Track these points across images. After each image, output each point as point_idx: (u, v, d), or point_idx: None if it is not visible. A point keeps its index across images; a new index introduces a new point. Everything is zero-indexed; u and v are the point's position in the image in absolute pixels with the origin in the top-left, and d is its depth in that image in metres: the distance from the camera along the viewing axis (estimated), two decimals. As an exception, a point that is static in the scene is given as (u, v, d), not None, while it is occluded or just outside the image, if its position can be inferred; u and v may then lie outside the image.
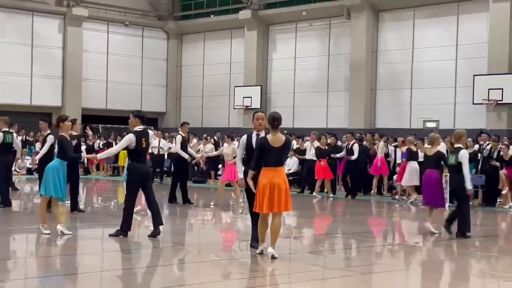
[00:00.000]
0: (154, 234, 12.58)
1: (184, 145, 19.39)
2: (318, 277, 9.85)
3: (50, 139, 15.63)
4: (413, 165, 21.47)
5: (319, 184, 23.35)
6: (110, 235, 12.62)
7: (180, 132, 19.64)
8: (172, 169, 20.29)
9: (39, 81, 36.02)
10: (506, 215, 19.16)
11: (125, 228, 12.62)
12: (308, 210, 19.19)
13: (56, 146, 14.39)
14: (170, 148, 28.31)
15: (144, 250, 12.07)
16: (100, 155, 14.17)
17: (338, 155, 23.45)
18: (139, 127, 12.61)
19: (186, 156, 19.17)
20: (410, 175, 21.41)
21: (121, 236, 12.52)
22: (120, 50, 38.65)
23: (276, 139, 10.64)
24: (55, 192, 12.64)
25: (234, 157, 18.04)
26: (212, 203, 19.34)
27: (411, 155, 21.75)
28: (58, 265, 10.53)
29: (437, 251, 12.99)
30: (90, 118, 34.69)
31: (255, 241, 11.24)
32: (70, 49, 36.46)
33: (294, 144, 25.97)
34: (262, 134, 11.09)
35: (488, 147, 21.06)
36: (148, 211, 16.67)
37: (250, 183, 10.76)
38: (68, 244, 11.95)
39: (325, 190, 23.50)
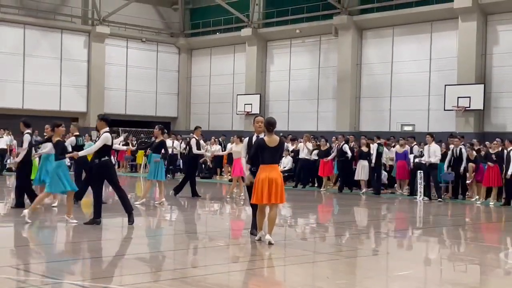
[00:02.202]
0: (92, 222, 12.50)
1: (197, 146, 19.44)
2: (309, 260, 9.86)
3: (27, 138, 15.24)
4: (363, 163, 22.18)
5: (326, 180, 23.66)
6: (129, 223, 12.60)
7: (194, 136, 19.59)
8: (186, 169, 20.21)
9: (67, 89, 36.02)
10: (473, 207, 19.17)
11: (129, 209, 12.65)
12: (301, 202, 19.19)
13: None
14: (185, 149, 28.50)
15: (158, 237, 12.08)
16: (81, 153, 13.53)
17: (329, 158, 23.45)
18: (107, 129, 12.62)
19: (202, 152, 19.79)
20: (362, 170, 22.26)
21: (130, 223, 12.54)
22: (137, 63, 38.65)
23: (271, 140, 10.71)
24: (70, 187, 12.78)
25: None
26: (228, 197, 19.39)
27: (361, 155, 22.20)
28: (85, 250, 10.53)
29: (412, 238, 13.00)
30: (111, 122, 34.57)
31: (254, 229, 11.27)
32: (94, 62, 36.48)
33: (289, 146, 26.03)
34: (262, 135, 11.15)
35: (458, 148, 21.05)
36: (167, 203, 16.81)
37: (249, 178, 10.89)
38: (93, 232, 11.94)
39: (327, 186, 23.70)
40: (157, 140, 17.09)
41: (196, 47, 40.16)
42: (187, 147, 20.00)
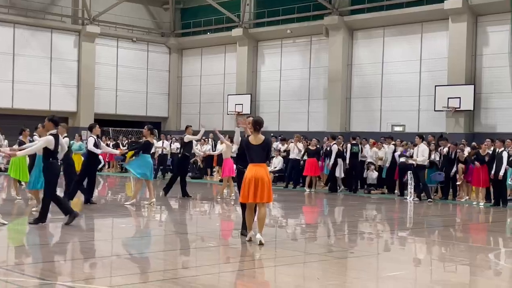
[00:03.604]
0: (68, 222, 12.24)
1: (189, 145, 19.42)
2: (300, 261, 9.88)
3: None
4: (340, 162, 22.85)
5: (309, 180, 23.53)
6: (31, 222, 12.30)
7: (186, 135, 19.55)
8: (174, 167, 20.19)
9: (57, 89, 35.92)
10: (463, 207, 19.26)
11: (42, 218, 12.25)
12: (292, 203, 19.20)
13: None
14: (178, 148, 28.51)
15: (148, 238, 12.06)
16: (19, 153, 13.10)
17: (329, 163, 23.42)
18: (53, 131, 12.34)
19: (197, 152, 19.45)
20: (340, 169, 22.89)
21: (41, 223, 12.20)
22: (128, 63, 38.59)
23: (256, 139, 10.84)
24: None
25: (232, 157, 18.11)
26: (218, 197, 19.38)
27: (340, 154, 22.55)
28: (75, 250, 10.50)
29: (402, 239, 13.03)
30: (101, 122, 34.58)
31: (244, 229, 11.30)
32: (84, 61, 36.39)
33: (280, 146, 26.04)
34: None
35: (446, 149, 21.14)
36: (157, 203, 16.76)
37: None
38: (83, 233, 11.91)
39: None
40: (143, 140, 17.11)
41: (187, 47, 40.13)
42: (181, 146, 19.92)
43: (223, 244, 11.41)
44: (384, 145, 23.40)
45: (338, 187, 23.17)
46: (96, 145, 16.11)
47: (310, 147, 23.80)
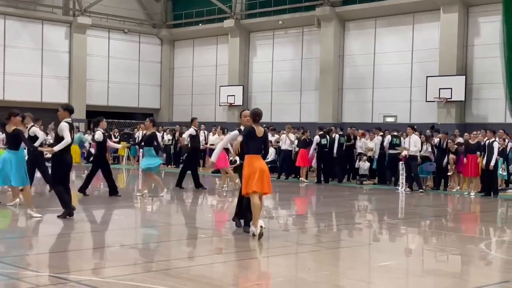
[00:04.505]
0: (64, 215, 12.08)
1: (196, 137, 19.34)
2: (292, 251, 9.90)
3: None
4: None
5: (305, 171, 23.52)
6: (58, 216, 12.14)
7: (192, 127, 19.46)
8: (187, 160, 19.91)
9: (48, 81, 35.82)
10: (454, 198, 19.34)
11: (68, 206, 12.13)
12: (284, 194, 19.22)
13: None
14: (169, 140, 28.66)
15: (140, 229, 12.05)
16: (56, 148, 12.44)
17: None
18: (68, 119, 12.23)
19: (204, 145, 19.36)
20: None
21: (68, 216, 12.04)
22: (119, 54, 38.48)
23: (258, 130, 10.71)
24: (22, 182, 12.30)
25: (225, 148, 18.03)
26: (220, 188, 19.35)
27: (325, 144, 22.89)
28: (68, 242, 10.47)
29: (394, 229, 13.07)
30: (93, 114, 34.48)
31: (236, 218, 11.39)
32: (75, 53, 36.27)
33: (270, 136, 26.04)
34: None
35: (437, 140, 21.22)
36: (149, 194, 16.74)
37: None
38: (76, 225, 11.89)
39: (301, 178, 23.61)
40: (148, 133, 16.96)
41: (179, 38, 40.04)
42: (188, 138, 19.74)
43: (216, 235, 11.42)
44: (375, 135, 23.43)
45: (329, 179, 23.16)
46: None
47: (305, 138, 23.85)
